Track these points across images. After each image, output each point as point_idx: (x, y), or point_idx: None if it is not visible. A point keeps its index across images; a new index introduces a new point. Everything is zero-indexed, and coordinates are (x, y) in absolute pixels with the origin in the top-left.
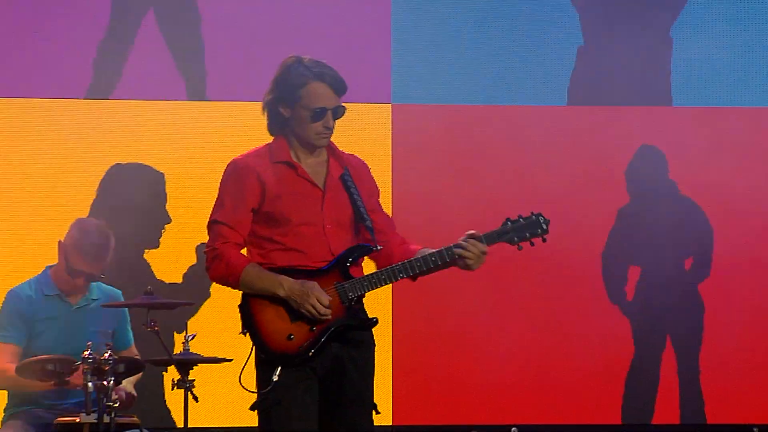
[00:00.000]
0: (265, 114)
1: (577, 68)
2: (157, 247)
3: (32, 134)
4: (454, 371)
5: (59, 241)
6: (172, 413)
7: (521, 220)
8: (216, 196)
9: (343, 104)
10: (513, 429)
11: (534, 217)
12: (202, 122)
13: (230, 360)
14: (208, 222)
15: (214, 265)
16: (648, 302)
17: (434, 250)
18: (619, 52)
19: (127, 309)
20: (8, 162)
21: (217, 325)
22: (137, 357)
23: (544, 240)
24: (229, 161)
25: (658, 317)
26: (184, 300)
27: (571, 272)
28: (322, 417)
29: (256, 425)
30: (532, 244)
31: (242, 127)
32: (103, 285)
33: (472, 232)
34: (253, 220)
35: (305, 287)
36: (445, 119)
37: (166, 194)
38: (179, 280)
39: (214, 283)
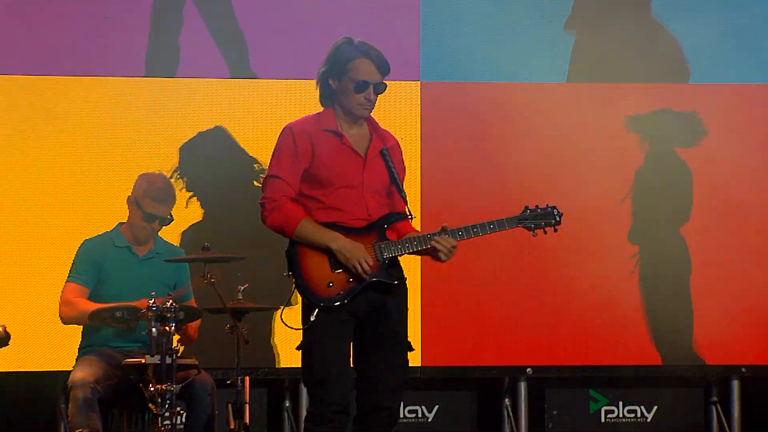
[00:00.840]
0: (318, 86)
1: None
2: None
3: (103, 109)
4: (478, 317)
5: (128, 197)
6: (226, 355)
7: (538, 210)
8: (270, 156)
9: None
10: (528, 370)
11: (550, 209)
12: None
13: (277, 308)
14: (266, 176)
15: (273, 215)
16: (651, 255)
17: (424, 235)
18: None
19: (187, 263)
20: (82, 134)
21: (266, 277)
22: (194, 304)
23: (555, 230)
24: (285, 126)
25: (659, 268)
26: (237, 255)
27: (584, 228)
28: (361, 355)
29: (300, 363)
30: (545, 232)
31: (285, 102)
32: (166, 241)
33: (444, 225)
34: (300, 180)
35: (356, 246)
36: (473, 96)
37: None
38: (234, 237)
39: (262, 241)
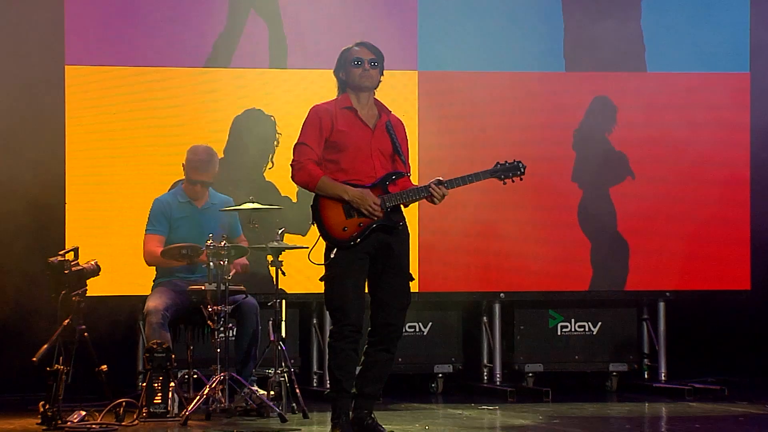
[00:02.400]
0: (336, 82)
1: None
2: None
3: (171, 93)
4: (463, 254)
5: (182, 164)
6: (267, 283)
7: (507, 164)
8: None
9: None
10: (501, 294)
11: (516, 162)
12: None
13: (307, 248)
14: (295, 144)
15: (299, 174)
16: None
17: (421, 187)
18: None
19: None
20: (154, 115)
21: (299, 223)
22: (243, 244)
23: (521, 179)
24: (312, 106)
25: (601, 212)
26: (277, 205)
27: (542, 186)
28: (373, 283)
29: (323, 291)
30: (513, 181)
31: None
32: (220, 194)
33: (439, 178)
34: (323, 147)
35: (364, 193)
36: (468, 84)
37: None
38: (275, 191)
39: (295, 195)
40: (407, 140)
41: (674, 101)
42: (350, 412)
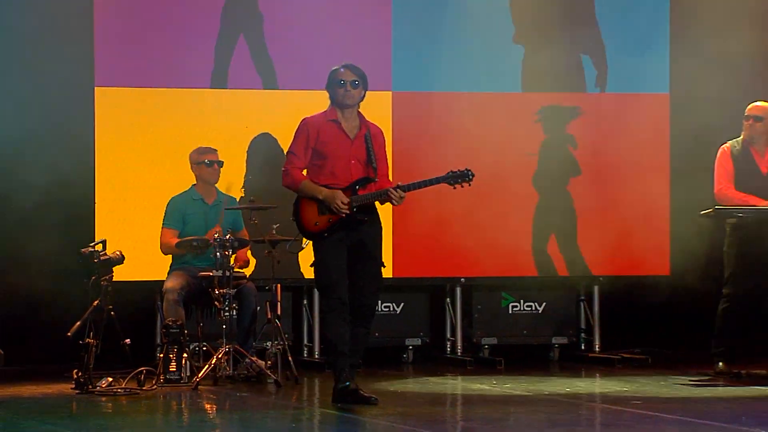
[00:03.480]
0: (328, 94)
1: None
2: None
3: (183, 112)
4: (430, 244)
5: (190, 166)
6: (265, 270)
7: (458, 172)
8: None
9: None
10: (462, 279)
11: (465, 171)
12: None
13: (296, 240)
14: (287, 152)
15: (286, 179)
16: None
17: (387, 188)
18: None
19: (240, 210)
20: (169, 130)
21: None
22: (245, 237)
23: (470, 185)
24: (303, 118)
25: (549, 211)
26: (274, 205)
27: (500, 184)
28: (350, 270)
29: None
30: (462, 186)
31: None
32: (226, 194)
33: (399, 183)
34: (310, 155)
35: (335, 193)
36: (439, 105)
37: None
38: (270, 193)
39: (286, 196)
40: (385, 146)
41: (609, 116)
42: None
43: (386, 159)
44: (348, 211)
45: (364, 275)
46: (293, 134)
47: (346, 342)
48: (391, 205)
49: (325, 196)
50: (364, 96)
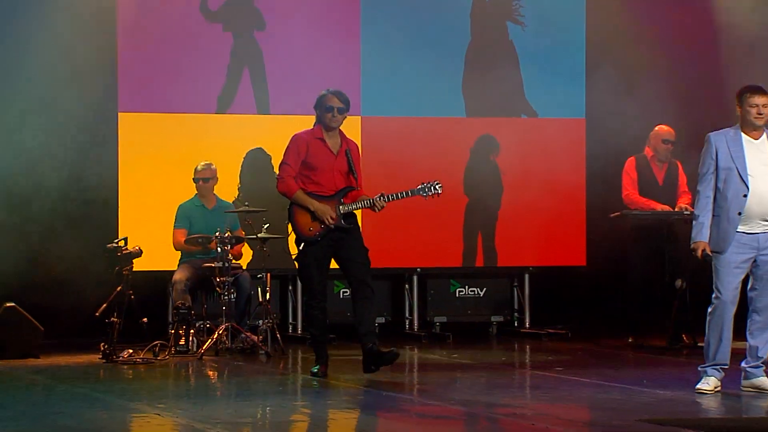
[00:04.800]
0: (315, 113)
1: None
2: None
3: (189, 134)
4: (391, 241)
5: (192, 179)
6: (257, 262)
7: (428, 184)
8: (282, 154)
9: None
10: (418, 269)
11: (435, 183)
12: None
13: (282, 237)
14: (280, 163)
15: (281, 186)
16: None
17: (367, 198)
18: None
19: (236, 213)
20: (180, 151)
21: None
22: (242, 235)
23: (438, 195)
24: (294, 134)
25: (485, 213)
26: (265, 209)
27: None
28: (343, 264)
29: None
30: (432, 197)
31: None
32: (223, 200)
33: (382, 193)
34: (300, 166)
35: (325, 207)
36: (405, 128)
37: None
38: (262, 198)
39: (279, 200)
40: (360, 159)
41: (533, 137)
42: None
43: (360, 170)
44: (335, 223)
45: (353, 252)
46: (285, 148)
47: (325, 332)
48: (361, 213)
49: (316, 209)
50: (345, 117)
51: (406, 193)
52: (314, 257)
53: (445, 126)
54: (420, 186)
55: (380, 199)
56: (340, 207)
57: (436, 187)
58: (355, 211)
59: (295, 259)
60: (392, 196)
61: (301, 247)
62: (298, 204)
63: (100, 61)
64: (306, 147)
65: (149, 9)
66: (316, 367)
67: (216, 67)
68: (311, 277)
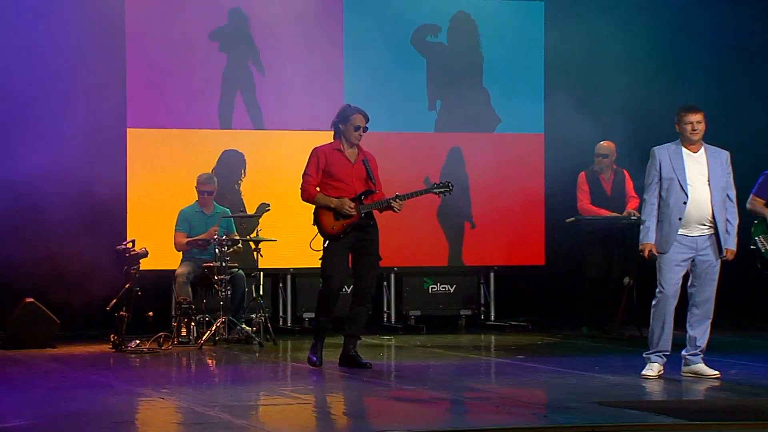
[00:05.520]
0: (333, 129)
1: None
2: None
3: (194, 148)
4: (390, 239)
5: (195, 187)
6: (250, 261)
7: (440, 183)
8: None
9: (327, 131)
10: (395, 268)
11: (447, 182)
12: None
13: (274, 240)
14: (303, 174)
15: (304, 194)
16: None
17: (385, 200)
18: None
19: (232, 219)
20: (183, 164)
21: (276, 227)
22: (238, 238)
23: (450, 194)
24: (314, 147)
25: (455, 216)
26: (254, 214)
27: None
28: (355, 264)
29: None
30: (444, 195)
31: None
32: (221, 206)
33: (398, 193)
34: (321, 175)
35: (342, 200)
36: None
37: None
38: (251, 206)
39: (274, 205)
40: (377, 168)
41: (496, 150)
42: (322, 343)
43: (379, 178)
44: (355, 214)
45: (365, 265)
46: (306, 160)
47: (330, 320)
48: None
49: (335, 205)
50: None
51: (421, 192)
52: (335, 252)
53: (413, 141)
54: (433, 185)
55: (396, 200)
56: (360, 206)
57: (449, 185)
58: (374, 213)
59: (321, 257)
60: (408, 195)
61: (326, 244)
62: (320, 206)
63: (110, 79)
64: (324, 157)
65: (156, 31)
66: (315, 357)
67: (219, 86)
68: (332, 269)
